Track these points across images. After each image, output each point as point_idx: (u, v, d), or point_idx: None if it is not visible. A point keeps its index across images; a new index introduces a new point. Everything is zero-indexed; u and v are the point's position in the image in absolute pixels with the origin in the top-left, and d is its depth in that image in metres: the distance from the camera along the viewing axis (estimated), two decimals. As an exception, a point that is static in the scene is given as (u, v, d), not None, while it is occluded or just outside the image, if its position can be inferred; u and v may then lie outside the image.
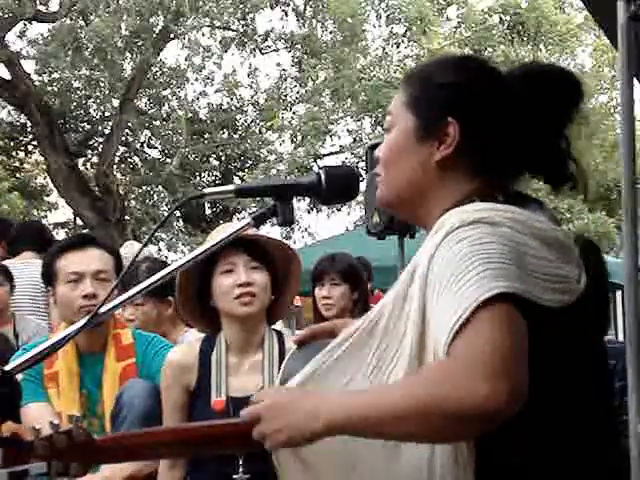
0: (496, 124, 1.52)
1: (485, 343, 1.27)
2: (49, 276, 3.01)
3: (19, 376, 1.49)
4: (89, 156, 17.78)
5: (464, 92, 1.53)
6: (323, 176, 1.58)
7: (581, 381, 1.43)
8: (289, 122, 16.89)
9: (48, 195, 18.41)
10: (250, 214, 1.58)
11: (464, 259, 1.33)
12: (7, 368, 1.46)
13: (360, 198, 6.49)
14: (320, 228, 18.71)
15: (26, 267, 4.95)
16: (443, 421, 1.27)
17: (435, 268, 1.37)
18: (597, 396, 1.47)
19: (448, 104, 1.52)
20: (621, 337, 9.19)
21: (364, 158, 5.83)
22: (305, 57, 16.30)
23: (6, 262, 5.03)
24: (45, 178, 17.64)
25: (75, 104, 16.91)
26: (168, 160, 17.04)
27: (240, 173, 17.95)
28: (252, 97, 17.64)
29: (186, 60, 16.70)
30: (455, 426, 1.27)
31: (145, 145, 18.01)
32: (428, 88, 1.56)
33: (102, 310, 1.52)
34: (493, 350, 1.26)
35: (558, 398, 1.40)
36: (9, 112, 16.89)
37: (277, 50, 16.98)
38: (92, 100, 16.99)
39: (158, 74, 17.02)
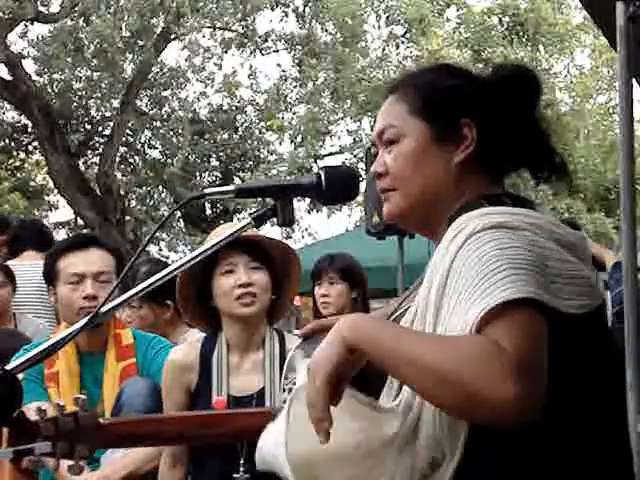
0: (504, 122, 1.53)
1: (519, 342, 1.26)
2: (50, 276, 3.02)
3: (19, 376, 1.50)
4: (90, 156, 17.79)
5: (471, 92, 1.54)
6: (323, 176, 1.58)
7: (604, 389, 1.43)
8: (289, 123, 16.90)
9: (48, 195, 18.42)
10: (250, 214, 1.58)
11: (491, 261, 1.32)
12: (8, 367, 1.47)
13: (360, 198, 6.49)
14: (320, 228, 18.71)
15: (32, 267, 4.94)
16: (456, 396, 1.27)
17: (457, 271, 1.36)
18: (615, 404, 1.47)
19: (461, 105, 1.53)
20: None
21: (364, 159, 5.83)
22: (305, 58, 16.30)
23: (10, 262, 5.03)
24: (45, 178, 17.65)
25: (76, 105, 16.90)
26: (169, 160, 17.04)
27: (240, 173, 17.95)
28: (252, 98, 17.66)
29: (186, 61, 16.71)
30: (463, 405, 1.28)
31: (146, 145, 18.00)
32: (435, 93, 1.55)
33: (102, 310, 1.53)
34: (525, 351, 1.26)
35: (579, 407, 1.40)
36: (4, 112, 16.89)
37: (277, 51, 16.98)
38: (93, 101, 16.98)
39: (159, 75, 17.00)
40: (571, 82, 17.57)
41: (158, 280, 1.52)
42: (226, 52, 16.73)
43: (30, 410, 1.64)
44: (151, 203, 18.04)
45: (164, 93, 17.33)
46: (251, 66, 17.35)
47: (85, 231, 14.30)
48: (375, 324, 1.39)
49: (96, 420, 1.64)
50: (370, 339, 1.35)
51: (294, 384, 1.68)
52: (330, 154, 16.87)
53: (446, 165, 1.52)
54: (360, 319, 1.41)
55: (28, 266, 4.94)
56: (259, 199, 1.87)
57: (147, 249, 12.83)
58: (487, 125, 1.52)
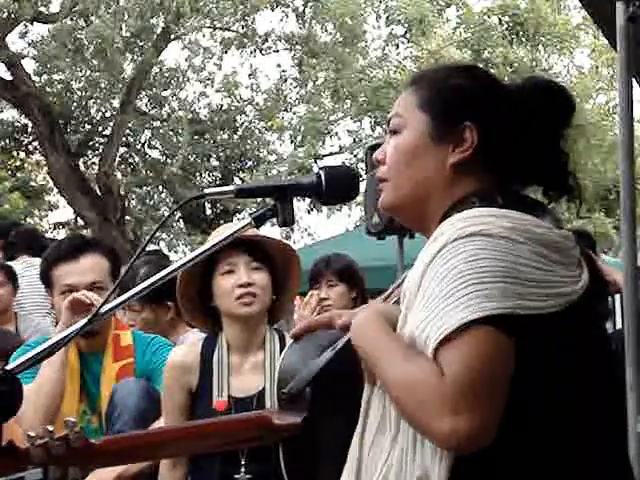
0: (508, 128, 1.51)
1: (464, 370, 1.29)
2: (46, 281, 3.01)
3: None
4: (90, 156, 17.79)
5: (480, 95, 1.53)
6: (323, 176, 1.58)
7: (588, 384, 1.42)
8: (289, 123, 16.89)
9: (49, 195, 18.42)
10: (250, 214, 1.58)
11: (456, 277, 1.33)
12: (8, 367, 1.46)
13: (360, 198, 6.49)
14: (320, 228, 18.70)
15: (26, 269, 4.99)
16: (409, 421, 1.37)
17: (426, 281, 1.37)
18: (606, 400, 1.46)
19: (465, 107, 1.52)
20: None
21: (364, 158, 5.83)
22: (305, 58, 16.29)
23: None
24: (45, 178, 17.65)
25: (76, 105, 16.90)
26: (169, 160, 17.03)
27: (240, 173, 17.95)
28: (252, 98, 17.65)
29: (186, 61, 16.71)
30: (417, 430, 1.36)
31: (146, 146, 17.99)
32: (443, 90, 1.54)
33: (100, 312, 1.53)
34: (467, 379, 1.29)
35: (564, 406, 1.40)
36: (2, 110, 16.89)
37: (277, 51, 16.97)
38: (92, 101, 16.98)
39: (158, 75, 17.00)
40: (571, 82, 17.56)
41: (158, 280, 1.52)
42: (226, 52, 16.72)
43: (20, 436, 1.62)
44: (151, 203, 18.03)
45: (164, 93, 17.32)
46: (251, 66, 17.34)
47: (85, 232, 14.31)
48: (371, 331, 1.45)
49: (87, 441, 1.61)
50: (362, 347, 1.45)
51: (288, 392, 1.65)
52: (330, 154, 16.86)
53: (439, 165, 1.51)
54: (365, 320, 1.47)
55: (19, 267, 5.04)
56: (259, 199, 1.87)
57: (147, 249, 12.81)
58: (494, 133, 1.51)
